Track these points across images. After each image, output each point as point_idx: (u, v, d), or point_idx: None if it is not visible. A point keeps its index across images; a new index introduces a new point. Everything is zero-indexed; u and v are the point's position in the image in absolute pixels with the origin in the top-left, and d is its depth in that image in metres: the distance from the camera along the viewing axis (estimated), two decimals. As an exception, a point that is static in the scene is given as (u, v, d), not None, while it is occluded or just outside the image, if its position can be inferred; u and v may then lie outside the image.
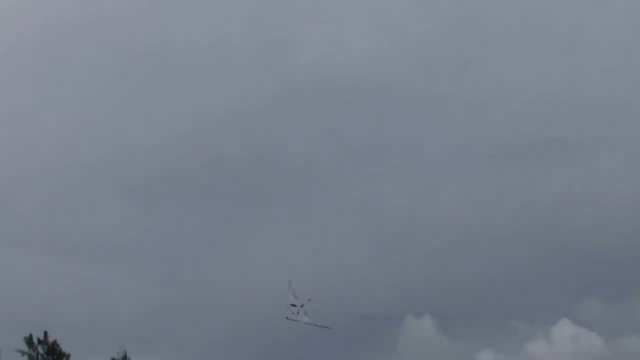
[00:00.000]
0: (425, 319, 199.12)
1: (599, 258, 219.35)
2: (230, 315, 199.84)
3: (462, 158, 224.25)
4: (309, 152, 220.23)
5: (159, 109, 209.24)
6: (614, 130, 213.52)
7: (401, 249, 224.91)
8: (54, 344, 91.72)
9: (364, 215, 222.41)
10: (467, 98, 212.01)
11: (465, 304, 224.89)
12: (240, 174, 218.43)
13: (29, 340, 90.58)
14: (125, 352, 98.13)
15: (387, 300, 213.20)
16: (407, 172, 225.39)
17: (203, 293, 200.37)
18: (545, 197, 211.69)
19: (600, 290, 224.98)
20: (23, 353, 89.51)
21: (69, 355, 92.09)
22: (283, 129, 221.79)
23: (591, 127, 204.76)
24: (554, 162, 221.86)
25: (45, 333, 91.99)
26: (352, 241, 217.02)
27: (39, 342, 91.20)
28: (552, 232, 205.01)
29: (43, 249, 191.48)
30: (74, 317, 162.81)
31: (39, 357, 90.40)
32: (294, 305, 18.98)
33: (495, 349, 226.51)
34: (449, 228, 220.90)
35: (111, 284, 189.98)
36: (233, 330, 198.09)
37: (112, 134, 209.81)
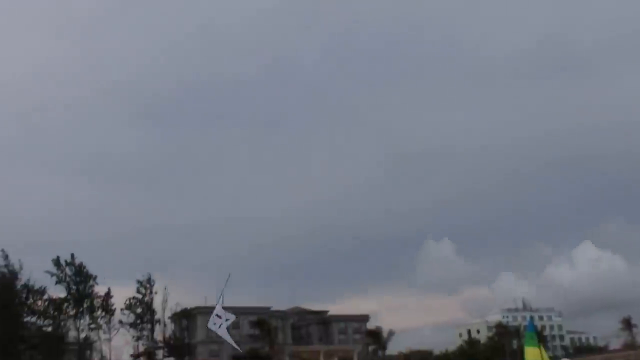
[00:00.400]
0: (444, 243, 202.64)
1: (622, 181, 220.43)
2: (249, 230, 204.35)
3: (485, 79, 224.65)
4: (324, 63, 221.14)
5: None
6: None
7: (421, 173, 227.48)
8: (81, 266, 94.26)
9: (383, 140, 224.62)
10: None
11: (485, 227, 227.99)
12: (258, 97, 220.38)
13: (56, 262, 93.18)
14: (150, 274, 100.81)
15: (406, 225, 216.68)
16: (429, 98, 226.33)
17: (221, 211, 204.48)
18: (570, 123, 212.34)
19: (624, 212, 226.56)
20: (52, 274, 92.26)
21: (95, 277, 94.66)
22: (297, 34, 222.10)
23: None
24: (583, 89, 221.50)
25: (72, 255, 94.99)
26: (373, 165, 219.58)
27: (67, 264, 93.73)
28: (576, 156, 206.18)
29: (69, 172, 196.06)
30: (99, 239, 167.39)
31: (67, 278, 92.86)
32: (218, 317, 20.13)
33: (516, 272, 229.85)
34: (468, 154, 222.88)
35: (134, 205, 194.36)
36: (252, 246, 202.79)
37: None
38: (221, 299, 23.48)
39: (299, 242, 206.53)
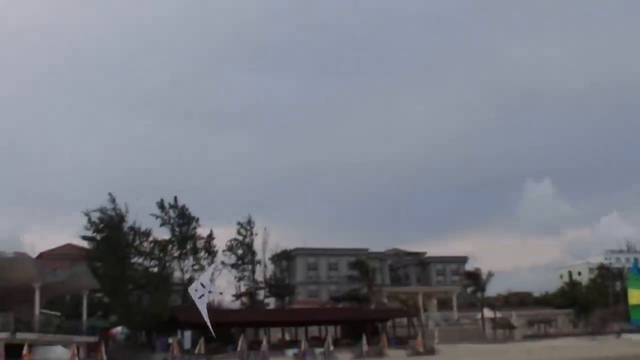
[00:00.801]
0: (545, 183, 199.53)
1: None
2: (348, 175, 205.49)
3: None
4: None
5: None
6: None
7: (522, 113, 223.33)
8: (183, 208, 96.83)
9: (486, 81, 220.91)
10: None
11: (588, 167, 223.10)
12: (365, 45, 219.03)
13: (161, 205, 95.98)
14: (250, 216, 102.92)
15: (505, 165, 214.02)
16: (533, 34, 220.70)
17: (322, 155, 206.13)
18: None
19: None
20: (156, 217, 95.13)
21: (197, 219, 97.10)
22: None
23: None
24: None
25: (175, 198, 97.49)
26: (472, 107, 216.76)
27: (170, 206, 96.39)
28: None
29: (174, 119, 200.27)
30: (202, 183, 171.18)
31: (171, 221, 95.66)
32: (202, 286, 18.54)
33: (619, 212, 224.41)
34: (572, 92, 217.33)
35: (235, 147, 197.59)
36: (352, 188, 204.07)
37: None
38: (211, 273, 22.75)
39: (398, 185, 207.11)
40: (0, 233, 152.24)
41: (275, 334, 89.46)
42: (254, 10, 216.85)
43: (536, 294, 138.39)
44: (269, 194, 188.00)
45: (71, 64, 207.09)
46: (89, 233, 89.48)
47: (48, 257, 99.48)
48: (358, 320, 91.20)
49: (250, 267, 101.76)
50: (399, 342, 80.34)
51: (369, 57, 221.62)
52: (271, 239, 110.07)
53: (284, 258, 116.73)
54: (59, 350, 58.65)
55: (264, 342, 68.75)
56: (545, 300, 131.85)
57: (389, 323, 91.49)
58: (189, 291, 22.47)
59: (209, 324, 22.96)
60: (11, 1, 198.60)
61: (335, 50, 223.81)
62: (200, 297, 21.67)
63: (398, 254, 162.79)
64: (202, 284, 21.64)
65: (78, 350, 61.24)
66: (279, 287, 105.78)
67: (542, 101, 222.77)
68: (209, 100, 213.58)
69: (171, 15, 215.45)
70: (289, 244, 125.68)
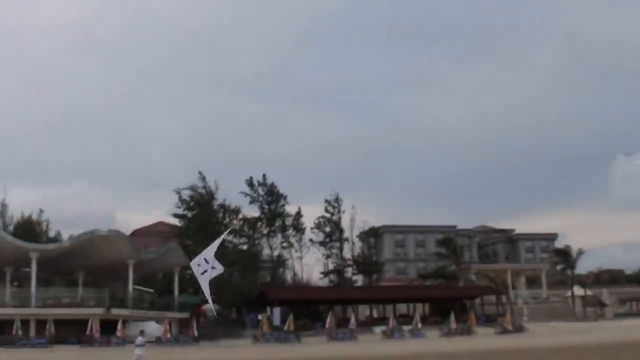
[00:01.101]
0: (636, 157, 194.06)
1: None
2: (435, 152, 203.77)
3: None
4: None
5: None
6: None
7: (613, 86, 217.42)
8: (272, 186, 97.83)
9: (569, 49, 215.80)
10: None
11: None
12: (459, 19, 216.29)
13: (250, 183, 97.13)
14: (337, 193, 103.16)
15: (595, 140, 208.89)
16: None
17: (412, 134, 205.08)
18: None
19: None
20: (245, 194, 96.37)
21: (286, 197, 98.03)
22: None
23: None
24: None
25: (264, 176, 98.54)
26: (563, 82, 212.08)
27: (259, 184, 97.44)
28: None
29: (263, 98, 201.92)
30: (289, 161, 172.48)
31: (260, 198, 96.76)
32: (206, 261, 17.66)
33: None
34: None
35: (324, 128, 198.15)
36: (440, 166, 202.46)
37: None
38: (216, 247, 21.87)
39: (487, 162, 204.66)
40: (94, 211, 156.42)
41: (363, 311, 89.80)
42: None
43: (628, 271, 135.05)
44: (356, 172, 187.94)
45: (164, 40, 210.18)
46: (180, 211, 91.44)
47: (140, 235, 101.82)
48: (446, 298, 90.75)
49: (338, 244, 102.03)
50: (488, 320, 79.69)
51: (464, 31, 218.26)
52: (359, 217, 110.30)
53: (372, 235, 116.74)
54: (152, 326, 60.19)
55: (352, 320, 69.28)
56: (638, 278, 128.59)
57: (477, 301, 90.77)
58: (190, 265, 22.06)
59: (209, 300, 22.59)
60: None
61: (431, 24, 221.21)
62: (202, 273, 21.14)
63: (486, 231, 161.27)
64: (205, 259, 21.10)
65: (170, 326, 62.84)
66: (367, 264, 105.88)
67: (634, 75, 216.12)
68: (297, 78, 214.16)
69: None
70: (377, 222, 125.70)
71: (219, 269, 21.11)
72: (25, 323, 58.50)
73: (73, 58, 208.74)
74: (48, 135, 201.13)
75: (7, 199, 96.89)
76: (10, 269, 65.67)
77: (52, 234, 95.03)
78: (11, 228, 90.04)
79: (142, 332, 34.69)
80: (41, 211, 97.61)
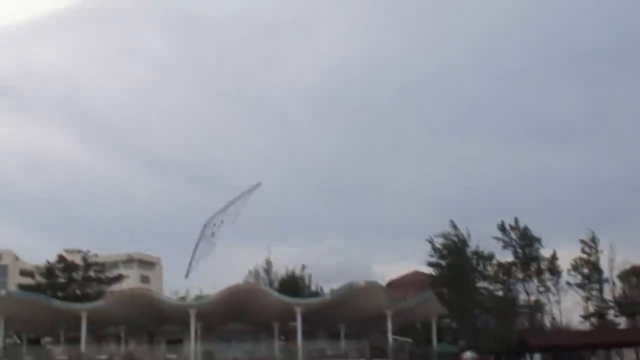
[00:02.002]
0: None
1: None
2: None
3: None
4: None
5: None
6: None
7: None
8: (525, 229, 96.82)
9: None
10: None
11: None
12: None
13: (501, 227, 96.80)
14: (593, 232, 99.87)
15: None
16: None
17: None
18: None
19: None
20: (498, 239, 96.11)
21: (540, 239, 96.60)
22: None
23: None
24: None
25: (516, 220, 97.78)
26: None
27: (511, 228, 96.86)
28: None
29: (504, 136, 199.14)
30: (540, 202, 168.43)
31: (513, 243, 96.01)
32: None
33: None
34: None
35: (572, 169, 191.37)
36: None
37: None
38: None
39: None
40: (351, 264, 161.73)
41: (629, 354, 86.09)
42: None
43: None
44: (613, 210, 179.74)
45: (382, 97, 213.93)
46: (434, 259, 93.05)
47: (396, 285, 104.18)
48: None
49: (597, 286, 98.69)
50: None
51: None
52: (618, 256, 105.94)
53: (635, 275, 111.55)
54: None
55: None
56: None
57: None
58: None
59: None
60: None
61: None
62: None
63: None
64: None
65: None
66: (630, 305, 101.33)
67: None
68: (531, 113, 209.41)
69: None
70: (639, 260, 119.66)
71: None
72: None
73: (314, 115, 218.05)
74: (305, 194, 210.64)
75: (271, 257, 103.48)
76: (277, 324, 69.80)
77: (313, 288, 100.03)
78: (276, 284, 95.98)
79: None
80: (304, 267, 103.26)
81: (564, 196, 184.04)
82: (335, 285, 72.35)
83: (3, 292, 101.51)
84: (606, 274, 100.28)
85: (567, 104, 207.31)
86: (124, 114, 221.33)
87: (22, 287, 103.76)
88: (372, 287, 66.80)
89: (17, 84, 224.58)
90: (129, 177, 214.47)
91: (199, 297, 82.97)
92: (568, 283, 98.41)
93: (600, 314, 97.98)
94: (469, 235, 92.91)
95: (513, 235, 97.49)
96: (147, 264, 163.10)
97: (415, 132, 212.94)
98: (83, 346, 61.91)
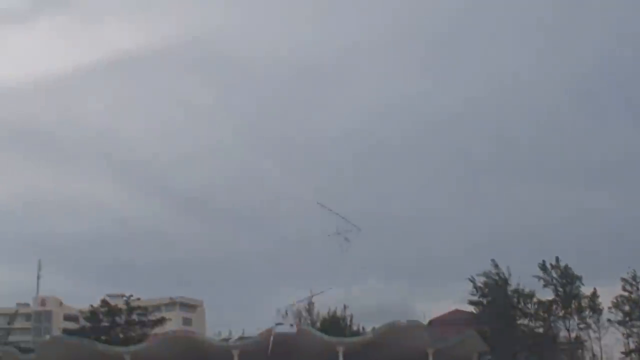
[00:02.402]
0: None
1: None
2: None
3: None
4: None
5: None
6: None
7: None
8: (566, 268, 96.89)
9: None
10: None
11: None
12: None
13: (542, 266, 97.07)
14: (634, 270, 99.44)
15: None
16: None
17: None
18: None
19: None
20: (539, 278, 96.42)
21: (580, 277, 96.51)
22: None
23: None
24: None
25: (557, 258, 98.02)
26: None
27: (552, 267, 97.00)
28: None
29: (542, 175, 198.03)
30: (581, 243, 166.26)
31: (553, 281, 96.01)
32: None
33: None
34: None
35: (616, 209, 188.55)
36: None
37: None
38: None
39: None
40: (393, 303, 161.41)
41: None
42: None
43: None
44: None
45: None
46: (475, 298, 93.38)
47: (438, 323, 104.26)
48: None
49: (638, 323, 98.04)
50: None
51: None
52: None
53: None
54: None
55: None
56: None
57: None
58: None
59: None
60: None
61: None
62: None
63: None
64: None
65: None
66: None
67: None
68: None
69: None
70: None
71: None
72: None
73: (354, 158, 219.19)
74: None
75: (313, 298, 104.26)
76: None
77: (355, 327, 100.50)
78: (318, 324, 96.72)
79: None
80: (345, 307, 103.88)
81: (604, 235, 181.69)
82: (377, 324, 72.81)
83: (47, 337, 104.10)
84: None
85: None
86: (163, 156, 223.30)
87: (67, 331, 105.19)
88: (413, 326, 67.57)
89: (56, 132, 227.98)
90: (169, 220, 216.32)
91: (242, 338, 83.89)
92: (609, 320, 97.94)
93: (639, 350, 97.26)
94: (510, 274, 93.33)
95: (554, 273, 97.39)
96: (189, 306, 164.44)
97: (453, 169, 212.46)
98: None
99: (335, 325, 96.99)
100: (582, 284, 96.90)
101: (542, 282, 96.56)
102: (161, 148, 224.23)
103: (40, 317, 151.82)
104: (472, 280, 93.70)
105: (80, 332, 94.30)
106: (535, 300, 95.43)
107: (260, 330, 68.82)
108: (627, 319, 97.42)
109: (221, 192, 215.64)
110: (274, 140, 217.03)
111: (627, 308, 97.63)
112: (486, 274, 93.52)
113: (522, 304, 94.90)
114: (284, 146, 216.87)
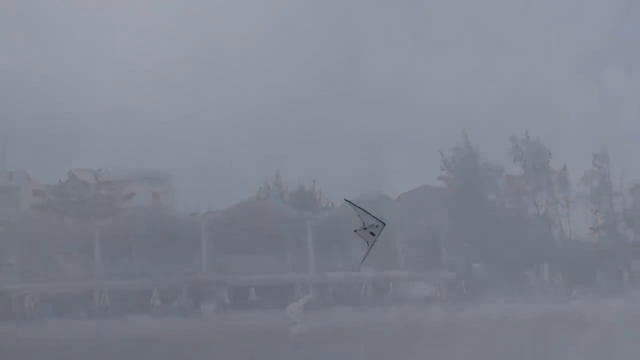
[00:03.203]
0: None
1: None
2: None
3: None
4: None
5: None
6: None
7: None
8: (536, 142, 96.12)
9: None
10: None
11: None
12: None
13: (512, 140, 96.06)
14: (604, 147, 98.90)
15: None
16: None
17: None
18: None
19: None
20: (509, 152, 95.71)
21: (549, 153, 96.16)
22: None
23: None
24: None
25: (526, 132, 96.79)
26: None
27: (521, 142, 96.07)
28: None
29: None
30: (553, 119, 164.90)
31: (523, 157, 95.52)
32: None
33: None
34: None
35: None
36: None
37: None
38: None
39: None
40: (362, 175, 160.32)
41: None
42: None
43: None
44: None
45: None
46: (445, 173, 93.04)
47: (406, 199, 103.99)
48: None
49: (607, 198, 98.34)
50: None
51: None
52: (628, 171, 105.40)
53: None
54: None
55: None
56: None
57: None
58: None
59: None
60: None
61: None
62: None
63: None
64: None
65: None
66: (638, 218, 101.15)
67: None
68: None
69: None
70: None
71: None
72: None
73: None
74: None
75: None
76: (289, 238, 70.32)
77: (324, 203, 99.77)
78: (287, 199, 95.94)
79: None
80: (314, 182, 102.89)
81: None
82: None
83: (15, 212, 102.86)
84: (616, 187, 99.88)
85: None
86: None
87: (35, 207, 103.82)
88: (382, 201, 67.40)
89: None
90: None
91: (210, 213, 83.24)
92: (578, 196, 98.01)
93: (609, 227, 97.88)
94: (479, 148, 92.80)
95: (523, 149, 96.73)
96: (157, 180, 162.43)
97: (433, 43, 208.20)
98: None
99: (304, 200, 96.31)
100: (551, 159, 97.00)
101: (512, 158, 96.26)
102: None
103: (8, 192, 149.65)
104: (442, 154, 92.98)
105: (48, 207, 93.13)
106: (504, 174, 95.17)
107: (229, 205, 68.40)
108: (596, 194, 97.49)
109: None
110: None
111: (596, 183, 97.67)
112: (455, 149, 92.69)
113: (491, 178, 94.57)
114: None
